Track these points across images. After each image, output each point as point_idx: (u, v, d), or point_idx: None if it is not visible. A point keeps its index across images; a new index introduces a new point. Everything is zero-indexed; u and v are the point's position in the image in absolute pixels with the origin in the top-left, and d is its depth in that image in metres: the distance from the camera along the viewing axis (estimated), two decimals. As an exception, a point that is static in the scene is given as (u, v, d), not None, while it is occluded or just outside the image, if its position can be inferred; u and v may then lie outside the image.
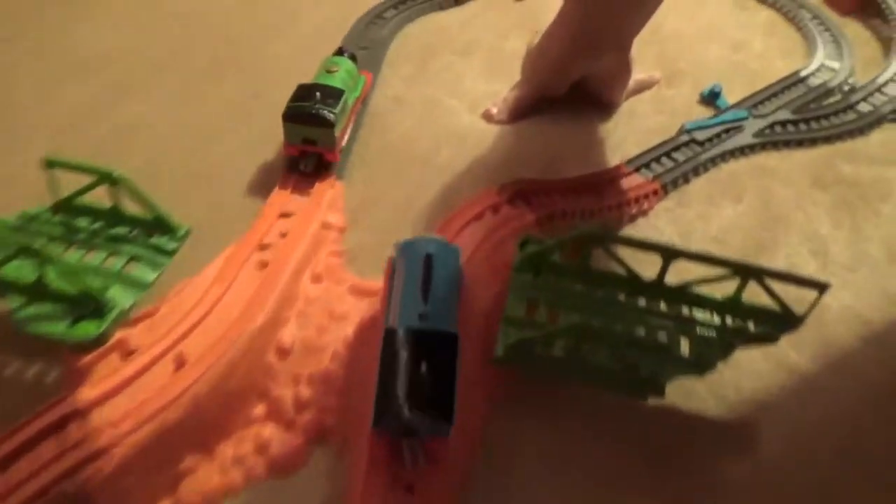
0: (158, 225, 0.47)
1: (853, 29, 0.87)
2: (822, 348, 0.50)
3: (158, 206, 0.47)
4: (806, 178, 0.64)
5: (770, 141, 0.67)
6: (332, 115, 0.55)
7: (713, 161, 0.65)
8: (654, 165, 0.63)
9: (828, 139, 0.69)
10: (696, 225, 0.59)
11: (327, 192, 0.57)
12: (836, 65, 0.79)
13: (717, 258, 0.41)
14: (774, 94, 0.73)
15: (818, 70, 0.77)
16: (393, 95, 0.70)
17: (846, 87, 0.76)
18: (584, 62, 0.66)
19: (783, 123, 0.69)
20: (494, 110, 0.68)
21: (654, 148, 0.64)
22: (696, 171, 0.63)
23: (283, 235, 0.51)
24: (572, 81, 0.68)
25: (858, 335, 0.51)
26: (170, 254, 0.46)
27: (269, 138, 0.62)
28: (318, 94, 0.56)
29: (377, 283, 0.48)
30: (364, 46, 0.76)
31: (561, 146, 0.66)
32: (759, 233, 0.58)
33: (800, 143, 0.68)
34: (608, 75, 0.68)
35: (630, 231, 0.58)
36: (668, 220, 0.59)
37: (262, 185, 0.58)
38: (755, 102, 0.72)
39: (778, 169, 0.65)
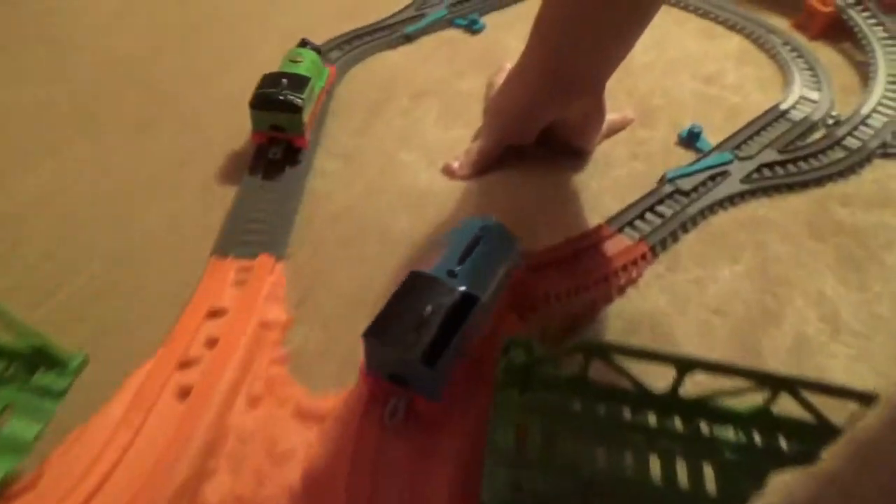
0: (42, 357, 0.37)
1: (825, 54, 0.83)
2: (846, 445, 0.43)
3: (41, 335, 0.37)
4: (803, 229, 0.58)
5: (760, 187, 0.61)
6: (299, 101, 0.56)
7: (702, 214, 0.58)
8: (638, 224, 0.56)
9: (819, 181, 0.63)
10: (691, 293, 0.52)
11: (266, 278, 0.48)
12: (815, 95, 0.74)
13: (742, 369, 0.33)
14: (757, 133, 0.68)
15: (798, 103, 0.72)
16: (340, 153, 0.62)
17: (830, 121, 0.71)
18: (554, 108, 0.59)
19: (770, 165, 0.64)
20: (456, 165, 0.61)
21: (636, 203, 0.58)
22: (684, 227, 0.57)
23: (212, 344, 0.42)
24: (541, 128, 0.61)
25: (884, 419, 0.45)
26: (58, 395, 0.37)
27: (199, 211, 0.53)
28: (284, 80, 0.56)
29: (329, 398, 0.40)
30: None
31: (533, 204, 0.58)
32: (761, 299, 0.52)
33: (790, 188, 0.62)
34: (580, 121, 0.61)
35: (621, 305, 0.50)
36: (659, 288, 0.52)
37: (188, 272, 0.49)
38: (738, 143, 0.66)
39: (772, 219, 0.59)
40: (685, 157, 0.65)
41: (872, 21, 0.83)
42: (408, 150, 0.63)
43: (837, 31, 0.85)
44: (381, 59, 0.75)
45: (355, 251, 0.52)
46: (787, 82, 0.76)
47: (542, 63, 0.57)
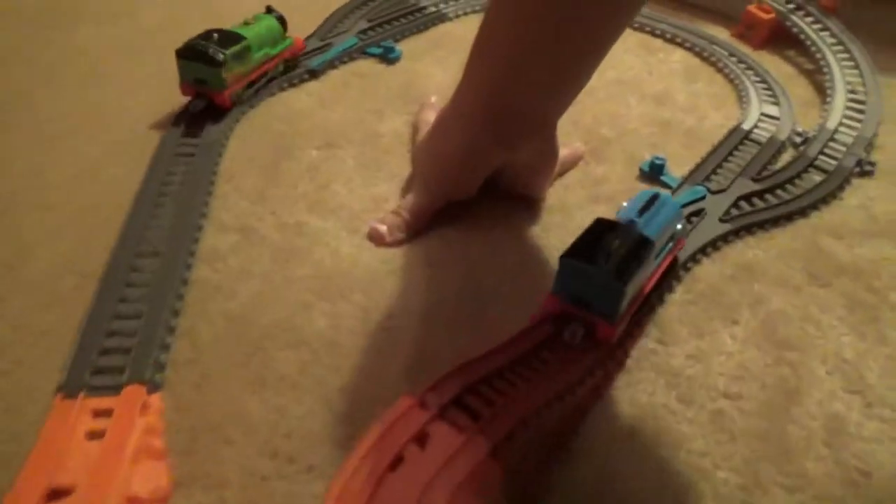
0: None
1: (772, 64, 0.77)
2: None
3: None
4: (800, 274, 0.49)
5: (743, 226, 0.52)
6: (220, 56, 0.55)
7: (685, 266, 0.48)
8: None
9: (803, 211, 0.55)
10: (694, 374, 0.42)
11: (133, 423, 0.34)
12: (775, 110, 0.66)
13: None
14: (725, 160, 0.59)
15: (759, 121, 0.65)
16: (234, 225, 0.49)
17: (797, 139, 0.63)
18: (499, 154, 0.48)
19: (748, 198, 0.55)
20: (384, 228, 0.49)
21: (609, 260, 0.47)
22: (668, 286, 0.47)
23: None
24: (486, 177, 0.50)
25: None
26: None
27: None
28: (215, 35, 0.57)
29: None
30: (187, 152, 0.53)
31: (488, 274, 0.47)
32: (775, 371, 0.42)
33: (775, 222, 0.53)
34: (530, 165, 0.51)
35: (613, 403, 0.40)
36: (655, 370, 0.42)
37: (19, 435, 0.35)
38: (707, 173, 0.57)
39: (762, 264, 0.50)
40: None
41: (818, 26, 0.77)
42: (321, 215, 0.50)
43: (780, 39, 0.79)
44: (282, 100, 0.62)
45: (258, 370, 0.39)
46: (741, 98, 0.69)
47: (483, 101, 0.46)
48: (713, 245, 0.51)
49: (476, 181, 0.50)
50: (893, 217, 0.56)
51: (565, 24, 0.42)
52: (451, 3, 0.80)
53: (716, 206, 0.53)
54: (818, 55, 0.73)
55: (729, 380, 0.41)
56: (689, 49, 0.78)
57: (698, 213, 0.53)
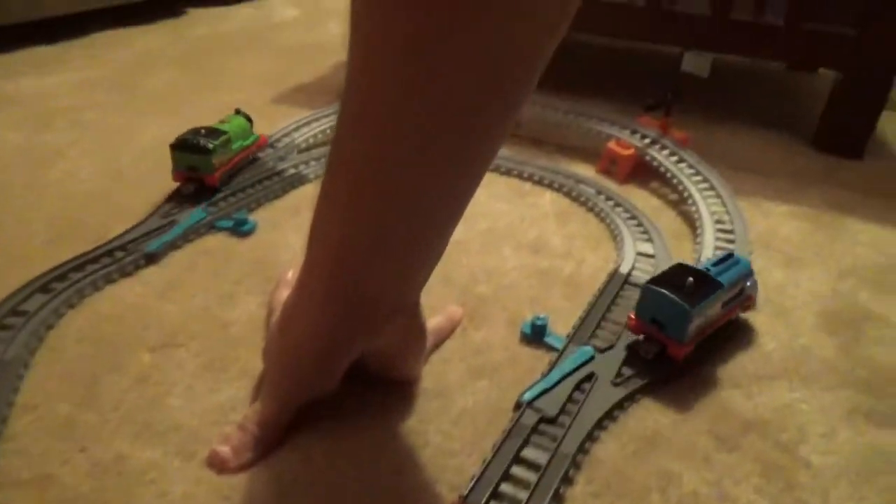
0: None
1: (639, 197, 0.77)
2: None
3: None
4: (705, 437, 0.45)
5: (639, 388, 0.48)
6: (210, 145, 0.66)
7: (582, 449, 0.43)
8: (504, 489, 0.39)
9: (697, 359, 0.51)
10: None
11: None
12: (649, 248, 0.65)
13: None
14: (608, 309, 0.56)
15: (636, 262, 0.63)
16: (28, 477, 0.38)
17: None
18: (356, 343, 0.42)
19: (639, 350, 0.51)
20: (226, 450, 0.40)
21: (495, 455, 0.41)
22: (566, 478, 0.40)
23: None
24: (345, 368, 0.43)
25: None
26: None
27: None
28: (202, 130, 0.68)
29: None
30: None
31: (356, 495, 0.39)
32: (701, 577, 0.36)
33: (665, 381, 0.49)
34: (395, 348, 0.45)
35: None
36: None
37: None
38: (591, 329, 0.53)
39: (665, 432, 0.45)
40: (537, 360, 0.51)
41: (674, 158, 0.79)
42: (148, 442, 0.41)
43: (644, 172, 0.81)
44: (109, 296, 0.54)
45: None
46: (615, 237, 0.68)
47: (326, 285, 0.40)
48: (610, 416, 0.45)
49: (333, 376, 0.43)
50: (784, 354, 0.53)
51: (409, 195, 0.37)
52: (312, 162, 0.77)
53: (606, 367, 0.49)
54: (680, 187, 0.74)
55: None
56: (558, 190, 0.77)
57: (589, 377, 0.48)
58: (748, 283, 0.54)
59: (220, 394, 0.45)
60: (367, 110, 0.34)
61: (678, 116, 0.83)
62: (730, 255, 0.54)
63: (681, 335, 0.48)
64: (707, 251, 0.64)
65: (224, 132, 0.69)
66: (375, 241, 0.39)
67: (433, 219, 0.39)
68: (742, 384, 0.50)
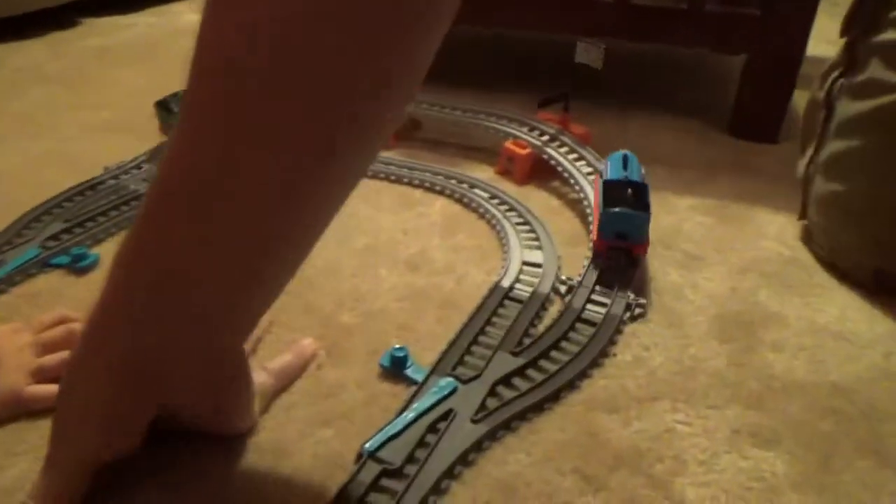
0: None
1: (538, 199, 0.72)
2: None
3: None
4: (570, 478, 0.40)
5: (500, 424, 0.43)
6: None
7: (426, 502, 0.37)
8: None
9: (572, 384, 0.47)
10: None
11: None
12: (538, 256, 0.60)
13: None
14: (481, 331, 0.50)
15: (521, 273, 0.58)
16: None
17: (562, 288, 0.57)
18: (147, 404, 0.36)
19: (507, 379, 0.46)
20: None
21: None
22: (404, 543, 0.35)
23: None
24: (142, 430, 0.37)
25: None
26: None
27: None
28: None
29: None
30: None
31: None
32: None
33: (540, 407, 0.45)
34: (211, 403, 0.39)
35: None
36: None
37: None
38: (460, 355, 0.48)
39: (526, 475, 0.40)
40: (395, 398, 0.45)
41: (573, 156, 0.74)
42: None
43: (544, 171, 0.76)
44: None
45: None
46: (503, 246, 0.63)
47: (109, 339, 0.34)
48: (465, 460, 0.40)
49: (130, 436, 0.37)
50: (672, 368, 0.49)
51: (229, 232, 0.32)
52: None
53: (467, 401, 0.44)
54: (577, 186, 0.70)
55: None
56: (450, 196, 0.72)
57: (446, 415, 0.43)
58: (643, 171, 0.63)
59: (3, 474, 0.39)
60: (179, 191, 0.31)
61: (589, 110, 0.78)
62: (626, 156, 0.63)
63: (643, 237, 0.57)
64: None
65: None
66: (174, 292, 0.33)
67: (251, 271, 0.34)
68: (620, 408, 0.45)
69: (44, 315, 0.48)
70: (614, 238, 0.57)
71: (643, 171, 0.63)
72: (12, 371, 0.43)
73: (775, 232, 0.68)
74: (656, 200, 0.71)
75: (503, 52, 1.24)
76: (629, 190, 0.57)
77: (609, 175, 0.61)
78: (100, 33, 1.30)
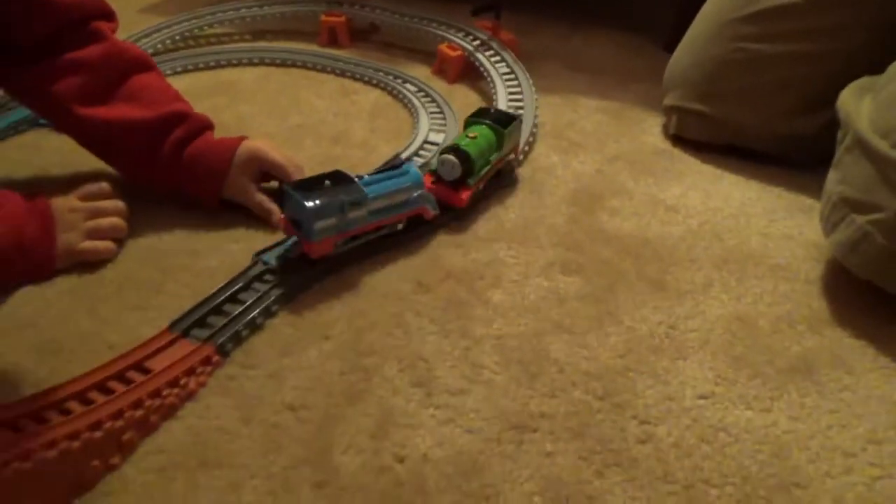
0: None
1: (463, 95, 0.83)
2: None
3: None
4: (408, 284, 0.53)
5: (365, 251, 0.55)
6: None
7: (290, 296, 0.51)
8: (212, 319, 0.47)
9: (434, 231, 0.59)
10: (265, 393, 0.43)
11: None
12: (439, 137, 0.72)
13: None
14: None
15: (421, 148, 0.70)
16: None
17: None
18: None
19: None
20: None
21: (211, 296, 0.49)
22: (269, 312, 0.49)
23: None
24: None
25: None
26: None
27: None
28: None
29: None
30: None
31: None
32: (346, 380, 0.45)
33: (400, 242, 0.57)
34: None
35: (170, 428, 0.40)
36: (225, 395, 0.43)
37: None
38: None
39: (373, 282, 0.53)
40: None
41: (496, 59, 0.84)
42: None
43: (474, 73, 0.86)
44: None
45: None
46: (414, 130, 0.74)
47: None
48: (333, 271, 0.53)
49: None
50: (518, 222, 0.61)
51: None
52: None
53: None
54: (490, 83, 0.80)
55: (299, 392, 0.43)
56: (384, 89, 0.83)
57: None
58: (415, 195, 0.56)
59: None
60: None
61: (540, 22, 0.87)
62: (399, 166, 0.56)
63: (309, 234, 0.49)
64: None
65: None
66: None
67: None
68: (465, 244, 0.58)
69: (90, 185, 0.57)
70: (295, 226, 0.51)
71: (417, 194, 0.56)
72: (68, 229, 0.53)
73: (659, 131, 0.78)
74: (568, 103, 0.82)
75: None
76: (328, 182, 0.51)
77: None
78: None
